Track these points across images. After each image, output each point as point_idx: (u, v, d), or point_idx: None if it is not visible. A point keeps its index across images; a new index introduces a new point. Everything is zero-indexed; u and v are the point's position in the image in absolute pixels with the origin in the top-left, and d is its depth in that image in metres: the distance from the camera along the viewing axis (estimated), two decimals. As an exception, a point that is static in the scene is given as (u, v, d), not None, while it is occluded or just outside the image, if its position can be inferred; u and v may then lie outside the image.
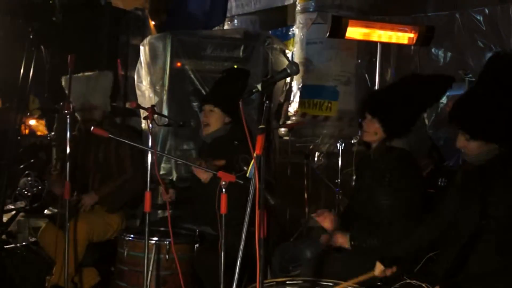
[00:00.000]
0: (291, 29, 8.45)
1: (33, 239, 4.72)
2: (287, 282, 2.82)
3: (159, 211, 4.92)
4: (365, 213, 3.25)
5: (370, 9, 7.42)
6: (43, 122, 8.25)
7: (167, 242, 3.41)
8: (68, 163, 3.52)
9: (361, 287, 2.71)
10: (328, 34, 5.45)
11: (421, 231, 2.95)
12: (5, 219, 5.14)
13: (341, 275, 2.82)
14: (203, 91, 5.55)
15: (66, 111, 3.50)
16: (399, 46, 6.53)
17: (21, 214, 5.41)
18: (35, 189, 5.97)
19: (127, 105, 5.78)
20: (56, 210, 4.08)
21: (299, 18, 7.64)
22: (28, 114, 8.24)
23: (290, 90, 7.60)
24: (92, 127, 3.08)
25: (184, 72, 5.64)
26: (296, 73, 2.22)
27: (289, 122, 7.39)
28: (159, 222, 3.92)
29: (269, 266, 3.64)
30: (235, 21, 9.83)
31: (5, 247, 4.38)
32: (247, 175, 2.26)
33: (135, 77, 5.85)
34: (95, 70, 4.42)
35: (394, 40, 5.53)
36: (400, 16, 7.08)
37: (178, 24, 6.94)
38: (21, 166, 6.55)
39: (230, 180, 2.57)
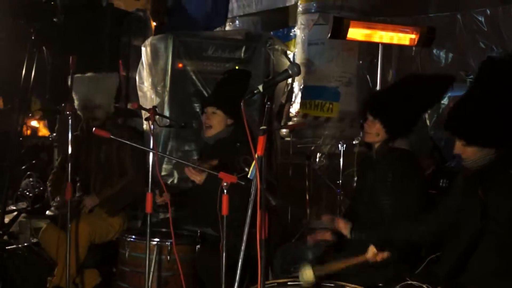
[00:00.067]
0: (293, 30, 8.45)
1: (34, 240, 4.72)
2: (289, 283, 2.82)
3: (161, 213, 4.93)
4: (367, 214, 3.25)
5: (371, 10, 7.42)
6: (44, 123, 8.27)
7: (169, 243, 3.41)
8: (69, 164, 3.52)
9: (361, 287, 2.71)
10: (329, 35, 5.46)
11: (420, 226, 2.96)
12: (6, 220, 5.15)
13: (341, 276, 2.82)
14: (204, 92, 5.55)
15: (67, 112, 3.50)
16: (401, 47, 6.53)
17: (23, 215, 5.41)
18: (36, 190, 5.98)
19: (129, 106, 5.78)
20: (57, 211, 4.07)
21: (300, 19, 7.64)
22: (30, 115, 8.26)
23: (291, 91, 7.60)
24: (94, 128, 3.09)
25: (186, 73, 5.65)
26: (298, 74, 2.22)
27: (290, 123, 7.39)
28: (161, 223, 3.92)
29: (271, 267, 3.63)
30: (237, 22, 9.84)
31: (6, 248, 4.38)
32: (249, 176, 2.27)
33: (137, 78, 5.86)
34: (96, 71, 4.42)
35: (395, 41, 5.53)
36: (401, 17, 7.08)
37: (179, 25, 6.95)
38: (23, 167, 6.56)
39: (231, 181, 2.57)
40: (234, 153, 3.42)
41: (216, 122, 3.82)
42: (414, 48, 6.86)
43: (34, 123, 9.42)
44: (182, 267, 3.18)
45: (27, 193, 5.94)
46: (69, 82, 3.99)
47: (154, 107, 3.47)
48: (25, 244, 4.61)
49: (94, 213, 4.12)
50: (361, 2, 7.39)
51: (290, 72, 2.21)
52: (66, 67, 3.65)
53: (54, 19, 5.59)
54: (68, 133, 3.54)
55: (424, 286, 2.61)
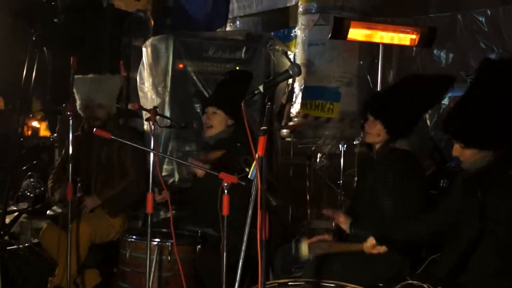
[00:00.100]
0: (293, 31, 8.45)
1: (35, 241, 4.73)
2: (289, 283, 2.82)
3: (161, 213, 4.93)
4: (368, 214, 3.25)
5: (372, 10, 7.42)
6: (45, 123, 8.28)
7: (169, 244, 3.41)
8: (70, 164, 3.53)
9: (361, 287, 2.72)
10: (330, 35, 5.46)
11: (420, 226, 2.97)
12: (7, 220, 5.16)
13: (342, 276, 2.83)
14: (205, 93, 5.56)
15: (68, 113, 3.50)
16: (401, 47, 6.53)
17: (24, 215, 5.42)
18: (37, 190, 5.99)
19: (129, 106, 5.79)
20: (59, 210, 4.07)
21: (301, 19, 7.64)
22: (31, 115, 8.27)
23: (292, 91, 7.60)
24: (95, 129, 3.09)
25: (186, 74, 5.65)
26: (298, 74, 2.22)
27: (291, 123, 7.39)
28: (161, 224, 3.92)
29: (271, 267, 3.64)
30: (237, 22, 9.84)
31: (7, 248, 4.38)
32: (249, 176, 2.27)
33: (137, 78, 5.86)
34: (97, 72, 4.43)
35: (396, 42, 5.53)
36: (402, 18, 7.08)
37: (180, 26, 6.95)
38: (24, 168, 6.57)
39: (232, 182, 2.57)
40: (235, 153, 3.43)
41: (217, 122, 3.83)
42: (414, 49, 6.86)
43: (35, 123, 9.44)
44: (182, 267, 3.19)
45: (28, 194, 5.94)
46: (70, 83, 4.00)
47: (155, 107, 3.47)
48: (26, 244, 4.61)
49: (95, 213, 4.13)
50: (362, 2, 7.40)
51: (290, 72, 2.21)
52: (67, 67, 3.65)
53: (55, 20, 5.60)
54: (68, 134, 3.55)
55: (425, 286, 2.61)
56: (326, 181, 5.72)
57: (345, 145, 5.19)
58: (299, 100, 7.52)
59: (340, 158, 5.22)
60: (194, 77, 5.65)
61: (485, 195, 2.60)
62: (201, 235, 3.62)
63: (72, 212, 3.56)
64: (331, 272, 2.96)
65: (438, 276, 2.71)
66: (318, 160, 6.88)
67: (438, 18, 7.15)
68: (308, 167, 5.46)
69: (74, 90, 4.16)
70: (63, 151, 4.41)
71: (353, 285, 2.70)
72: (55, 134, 6.73)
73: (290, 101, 7.58)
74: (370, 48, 6.98)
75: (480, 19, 6.84)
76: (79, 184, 4.31)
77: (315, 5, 7.46)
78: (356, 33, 5.41)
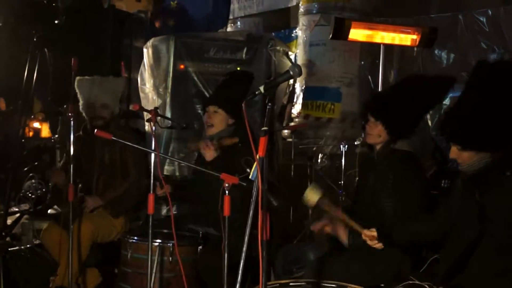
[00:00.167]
0: (294, 31, 8.45)
1: (37, 242, 4.74)
2: (290, 284, 2.82)
3: (163, 211, 4.94)
4: (368, 215, 3.25)
5: (372, 10, 7.42)
6: (47, 124, 8.28)
7: (171, 244, 3.41)
8: (71, 166, 3.53)
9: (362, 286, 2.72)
10: (331, 36, 5.45)
11: (421, 225, 2.97)
12: (9, 221, 5.16)
13: (343, 277, 2.83)
14: (206, 93, 5.56)
15: (69, 114, 3.51)
16: (402, 47, 6.52)
17: (25, 216, 5.42)
18: (39, 191, 5.99)
19: (131, 107, 5.79)
20: (60, 210, 4.09)
21: (302, 20, 7.64)
22: (32, 116, 8.27)
23: (293, 92, 7.61)
24: (96, 130, 3.09)
25: (187, 74, 5.66)
26: (299, 75, 2.23)
27: (292, 124, 7.40)
28: (163, 222, 3.92)
29: (272, 268, 3.64)
30: (238, 23, 9.84)
31: (9, 249, 4.38)
32: (250, 177, 2.27)
33: (139, 79, 5.87)
34: (98, 73, 4.43)
35: (397, 42, 5.52)
36: (403, 18, 7.08)
37: (180, 26, 6.95)
38: (25, 169, 6.57)
39: (233, 182, 2.57)
40: (236, 153, 3.43)
41: (217, 121, 3.83)
42: (415, 49, 6.85)
43: (36, 124, 9.44)
44: (184, 268, 3.19)
45: (30, 195, 5.95)
46: (78, 83, 4.02)
47: (156, 108, 3.48)
48: (28, 245, 4.62)
49: (97, 212, 4.13)
50: (363, 3, 7.39)
51: (291, 73, 2.21)
52: (68, 68, 3.65)
53: (56, 21, 5.60)
54: (70, 135, 3.55)
55: (426, 286, 2.61)
56: (327, 181, 5.72)
57: (346, 146, 5.19)
58: (300, 100, 7.52)
59: (341, 159, 5.22)
60: (195, 78, 5.65)
61: (483, 196, 2.61)
62: (202, 236, 3.62)
63: (74, 211, 3.56)
64: (332, 272, 2.96)
65: (439, 276, 2.72)
66: (319, 160, 6.88)
67: (439, 18, 7.14)
68: (309, 167, 5.46)
69: (77, 90, 4.18)
70: (65, 152, 4.41)
71: (354, 285, 2.70)
72: (57, 135, 6.75)
73: (291, 101, 7.59)
74: (371, 48, 6.98)
75: (481, 19, 6.83)
76: (80, 185, 4.31)
77: (316, 5, 7.46)
78: (357, 34, 5.41)
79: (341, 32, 5.35)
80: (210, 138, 3.86)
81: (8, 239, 4.93)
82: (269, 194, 2.32)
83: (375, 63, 6.52)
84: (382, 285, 2.99)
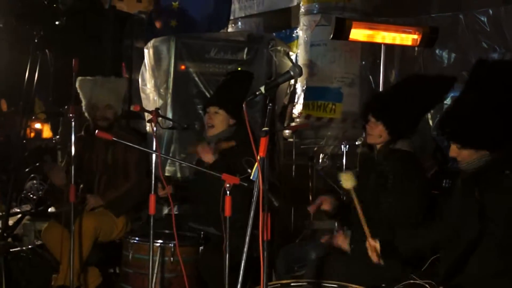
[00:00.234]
0: (295, 31, 8.46)
1: (38, 242, 4.74)
2: (291, 284, 2.82)
3: (165, 209, 4.94)
4: (368, 215, 3.24)
5: (373, 10, 7.43)
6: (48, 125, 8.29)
7: (172, 245, 3.42)
8: (73, 166, 3.53)
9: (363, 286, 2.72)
10: (332, 36, 5.45)
11: (424, 234, 2.95)
12: (11, 222, 5.17)
13: (344, 277, 2.83)
14: (207, 94, 5.56)
15: (70, 114, 3.51)
16: (403, 47, 6.52)
17: (27, 217, 5.42)
18: (40, 192, 5.99)
19: (131, 108, 5.80)
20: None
21: (303, 20, 7.65)
22: (33, 117, 8.28)
23: (294, 92, 7.62)
24: (97, 131, 3.10)
25: (188, 75, 5.66)
26: (299, 75, 2.23)
27: (293, 124, 7.40)
28: (164, 220, 3.92)
29: (273, 268, 3.64)
30: (239, 23, 9.84)
31: (11, 250, 4.38)
32: (251, 177, 2.27)
33: (139, 80, 5.88)
34: (99, 74, 4.44)
35: (398, 42, 5.52)
36: (403, 18, 7.08)
37: (181, 27, 6.95)
38: (27, 170, 6.58)
39: (234, 183, 2.57)
40: (236, 154, 3.43)
41: (218, 122, 3.83)
42: (416, 49, 6.85)
43: (37, 125, 9.45)
44: (185, 268, 3.19)
45: (31, 196, 5.95)
46: (80, 84, 4.02)
47: (157, 109, 3.48)
48: (29, 246, 4.62)
49: (98, 211, 4.13)
50: (363, 3, 7.40)
51: (292, 73, 2.21)
52: (69, 69, 3.66)
53: (57, 22, 5.61)
54: (71, 135, 3.55)
55: (427, 286, 2.61)
56: (329, 181, 5.71)
57: (347, 146, 5.19)
58: (301, 100, 7.52)
59: (342, 159, 5.22)
60: (196, 78, 5.66)
61: (483, 195, 2.60)
62: (203, 236, 3.62)
63: (75, 210, 3.57)
64: (333, 272, 2.96)
65: (440, 275, 2.72)
66: (320, 160, 6.88)
67: (440, 18, 7.14)
68: (310, 167, 5.46)
69: (80, 91, 4.18)
70: (67, 152, 4.42)
71: (354, 285, 2.70)
72: (58, 136, 6.75)
73: (292, 102, 7.59)
74: (372, 48, 6.98)
75: (482, 19, 6.83)
76: (81, 186, 4.32)
77: (316, 5, 7.47)
78: (358, 34, 5.41)
79: (342, 32, 5.35)
80: (210, 140, 3.87)
81: (9, 240, 4.94)
82: (270, 194, 2.32)
83: (376, 63, 6.52)
84: (383, 285, 2.99)
